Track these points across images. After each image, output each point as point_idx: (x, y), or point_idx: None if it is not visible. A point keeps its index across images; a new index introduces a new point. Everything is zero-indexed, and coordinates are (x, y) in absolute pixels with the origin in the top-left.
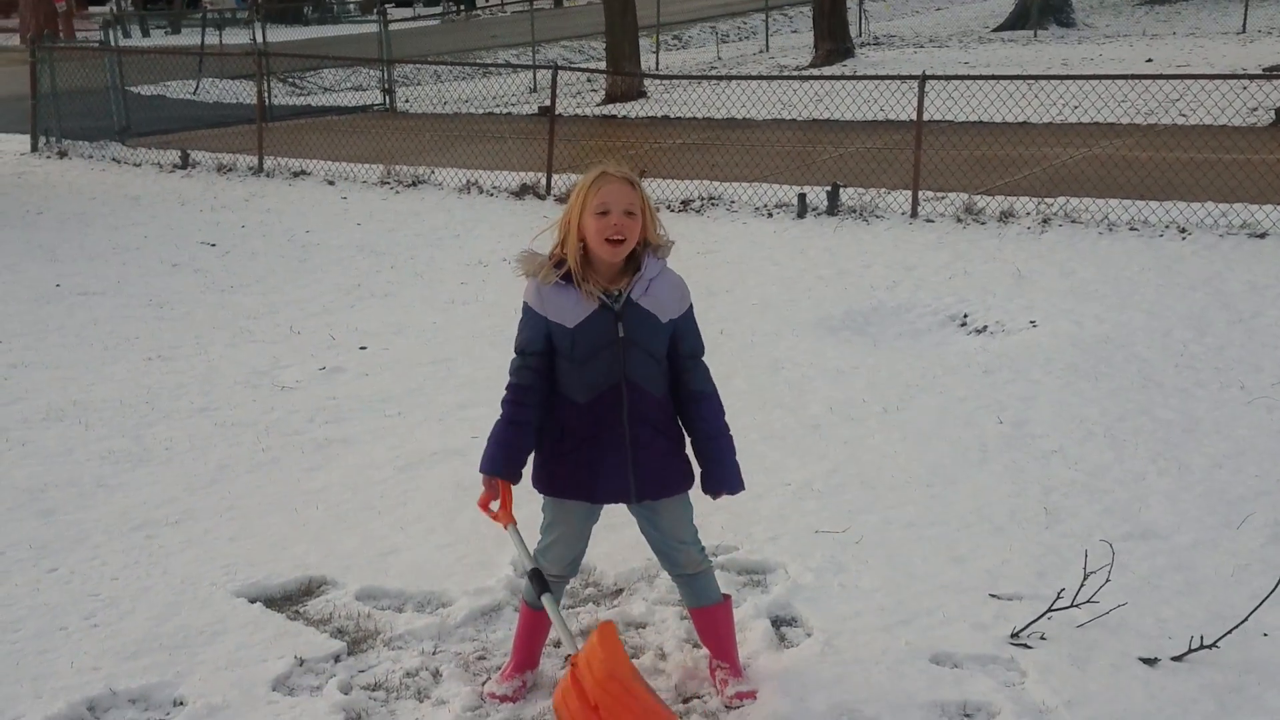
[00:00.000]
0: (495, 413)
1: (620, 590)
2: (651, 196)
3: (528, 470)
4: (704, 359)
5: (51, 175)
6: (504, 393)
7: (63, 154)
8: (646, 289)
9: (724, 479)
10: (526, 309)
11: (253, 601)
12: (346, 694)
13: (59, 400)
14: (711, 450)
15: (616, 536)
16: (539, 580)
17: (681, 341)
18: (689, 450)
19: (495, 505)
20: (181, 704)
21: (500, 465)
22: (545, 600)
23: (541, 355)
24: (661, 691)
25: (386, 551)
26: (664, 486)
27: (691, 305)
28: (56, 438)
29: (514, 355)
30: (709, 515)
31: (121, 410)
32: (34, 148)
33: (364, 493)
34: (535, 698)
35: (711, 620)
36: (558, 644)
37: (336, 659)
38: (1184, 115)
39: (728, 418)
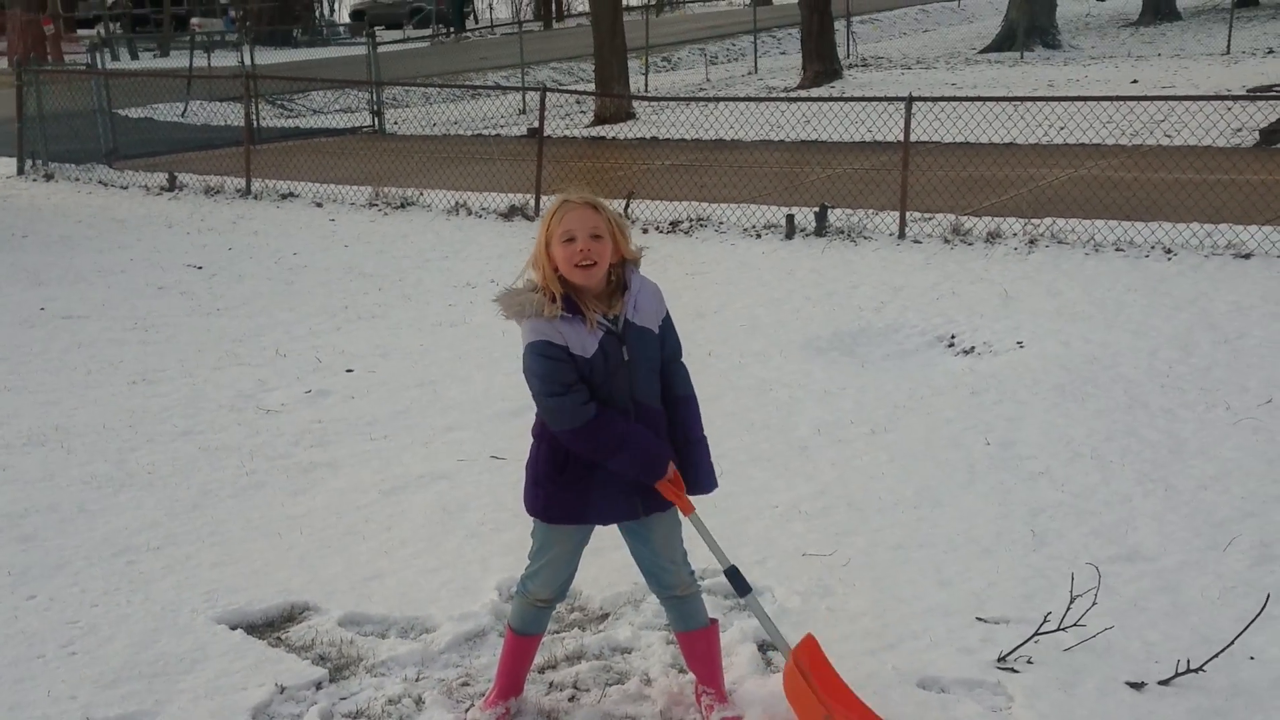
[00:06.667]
0: (481, 436)
1: (606, 615)
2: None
3: (518, 495)
4: (688, 368)
5: (37, 198)
6: (575, 439)
7: (49, 177)
8: (635, 305)
9: (701, 481)
10: (546, 347)
11: (234, 628)
12: None
13: (40, 425)
14: (692, 455)
15: (603, 560)
16: (739, 579)
17: (666, 345)
18: None
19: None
20: None
21: (663, 455)
22: (749, 600)
23: (582, 384)
24: (646, 718)
25: (370, 576)
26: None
27: (667, 308)
28: (37, 463)
29: (550, 399)
30: (696, 537)
31: (104, 435)
32: (20, 170)
33: (348, 517)
34: None
35: (699, 644)
36: (541, 670)
37: (318, 686)
38: (1169, 136)
39: (715, 439)
